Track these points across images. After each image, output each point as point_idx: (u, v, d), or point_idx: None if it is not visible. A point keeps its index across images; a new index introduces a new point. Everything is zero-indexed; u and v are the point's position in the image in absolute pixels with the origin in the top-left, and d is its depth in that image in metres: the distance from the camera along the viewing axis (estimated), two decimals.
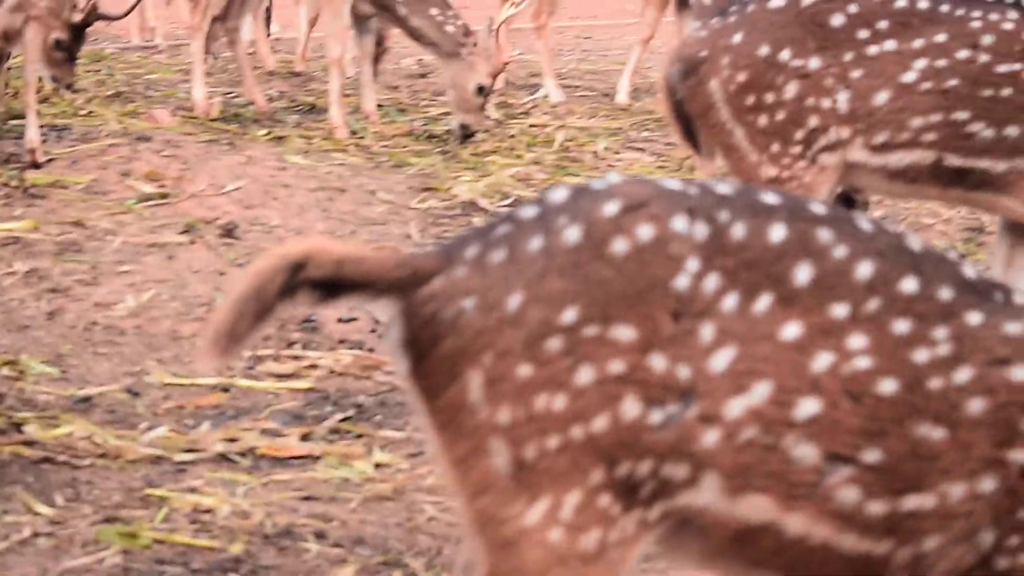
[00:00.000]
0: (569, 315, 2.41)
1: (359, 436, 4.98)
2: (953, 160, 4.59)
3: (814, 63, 4.58)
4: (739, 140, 4.65)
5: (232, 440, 4.87)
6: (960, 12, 4.57)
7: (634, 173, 8.07)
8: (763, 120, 4.62)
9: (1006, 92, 4.51)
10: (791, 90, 4.59)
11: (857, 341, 2.42)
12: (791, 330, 2.40)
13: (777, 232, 2.44)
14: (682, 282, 2.41)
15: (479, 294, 2.45)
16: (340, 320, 5.88)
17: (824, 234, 2.46)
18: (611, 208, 2.46)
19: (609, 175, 2.64)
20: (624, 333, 2.39)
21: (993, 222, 5.61)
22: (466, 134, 8.70)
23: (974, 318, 2.46)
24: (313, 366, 5.57)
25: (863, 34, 4.57)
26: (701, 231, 2.43)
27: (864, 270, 2.44)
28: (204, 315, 5.85)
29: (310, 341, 5.79)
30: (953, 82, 4.53)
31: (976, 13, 4.57)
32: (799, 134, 4.61)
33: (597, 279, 2.42)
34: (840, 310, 2.42)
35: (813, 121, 4.60)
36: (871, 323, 2.43)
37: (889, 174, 4.65)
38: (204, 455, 4.77)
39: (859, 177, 4.71)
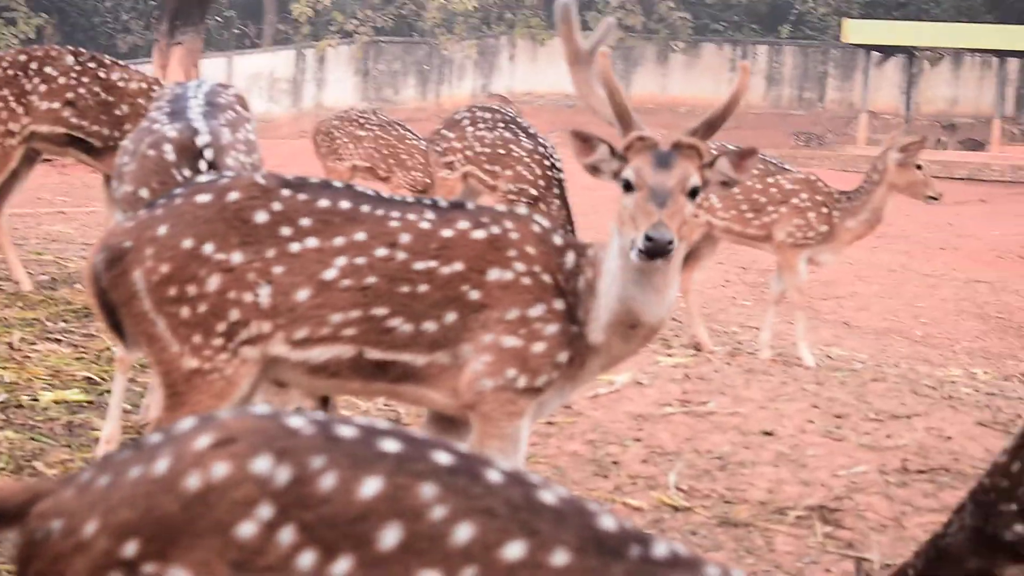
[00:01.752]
0: (130, 549, 2.24)
1: None
2: (374, 354, 4.66)
3: (237, 258, 4.58)
4: (161, 330, 4.59)
5: None
6: (380, 211, 4.69)
7: (51, 364, 7.82)
8: (185, 312, 4.58)
9: (423, 288, 4.62)
10: (213, 283, 4.57)
11: None
12: None
13: (370, 487, 2.23)
14: (248, 530, 2.22)
15: (67, 517, 2.29)
16: None
17: (426, 490, 2.23)
18: (202, 441, 2.31)
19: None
20: None
21: None
22: None
23: None
24: None
25: (286, 231, 4.61)
26: (283, 476, 2.24)
27: (463, 533, 2.20)
28: None
29: None
30: (372, 279, 4.61)
31: (395, 212, 4.70)
32: (221, 327, 4.59)
33: (162, 515, 2.25)
34: None
35: (235, 314, 4.58)
36: None
37: (310, 368, 4.68)
38: None
39: (282, 371, 4.72)
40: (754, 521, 6.30)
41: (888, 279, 16.75)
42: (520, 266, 4.67)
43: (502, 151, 11.29)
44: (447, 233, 4.68)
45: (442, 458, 2.29)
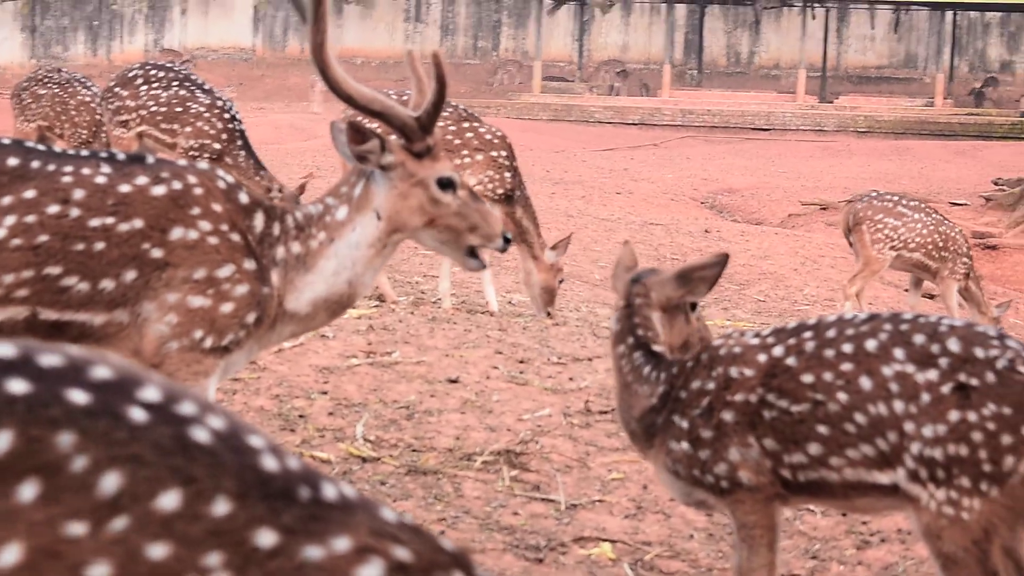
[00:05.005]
0: None
1: None
2: (49, 315, 4.53)
3: None
4: None
5: None
6: (51, 167, 4.55)
7: None
8: None
9: (99, 246, 4.50)
10: None
11: (99, 570, 1.94)
12: (9, 555, 1.95)
13: (1, 441, 1.97)
14: None
15: None
16: None
17: (64, 439, 1.98)
18: None
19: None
20: None
21: None
22: None
23: (265, 539, 1.99)
24: None
25: None
26: None
27: (110, 483, 1.97)
28: None
29: None
30: (44, 238, 4.48)
31: (68, 168, 4.56)
32: None
33: None
34: (76, 530, 1.95)
35: None
36: (117, 548, 1.94)
37: None
38: None
39: None
40: (442, 468, 6.36)
41: (567, 224, 17.10)
42: (206, 225, 4.58)
43: (179, 109, 11.16)
44: (125, 189, 4.56)
45: (77, 400, 2.04)
